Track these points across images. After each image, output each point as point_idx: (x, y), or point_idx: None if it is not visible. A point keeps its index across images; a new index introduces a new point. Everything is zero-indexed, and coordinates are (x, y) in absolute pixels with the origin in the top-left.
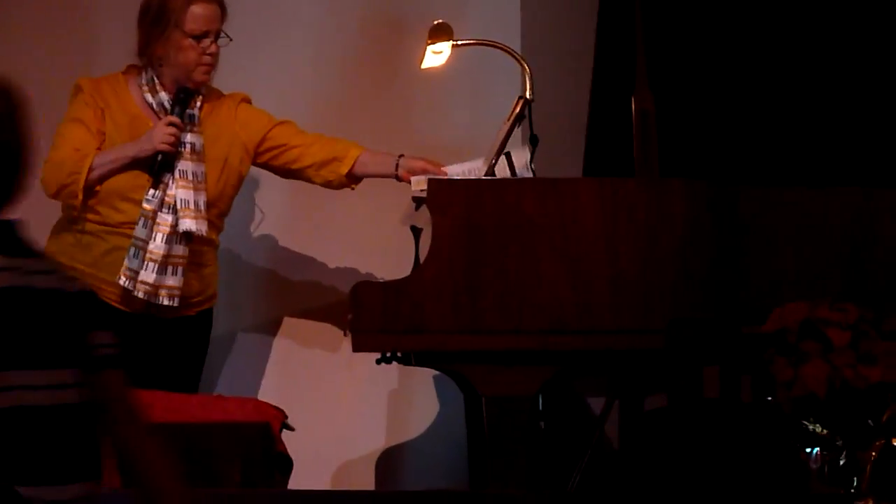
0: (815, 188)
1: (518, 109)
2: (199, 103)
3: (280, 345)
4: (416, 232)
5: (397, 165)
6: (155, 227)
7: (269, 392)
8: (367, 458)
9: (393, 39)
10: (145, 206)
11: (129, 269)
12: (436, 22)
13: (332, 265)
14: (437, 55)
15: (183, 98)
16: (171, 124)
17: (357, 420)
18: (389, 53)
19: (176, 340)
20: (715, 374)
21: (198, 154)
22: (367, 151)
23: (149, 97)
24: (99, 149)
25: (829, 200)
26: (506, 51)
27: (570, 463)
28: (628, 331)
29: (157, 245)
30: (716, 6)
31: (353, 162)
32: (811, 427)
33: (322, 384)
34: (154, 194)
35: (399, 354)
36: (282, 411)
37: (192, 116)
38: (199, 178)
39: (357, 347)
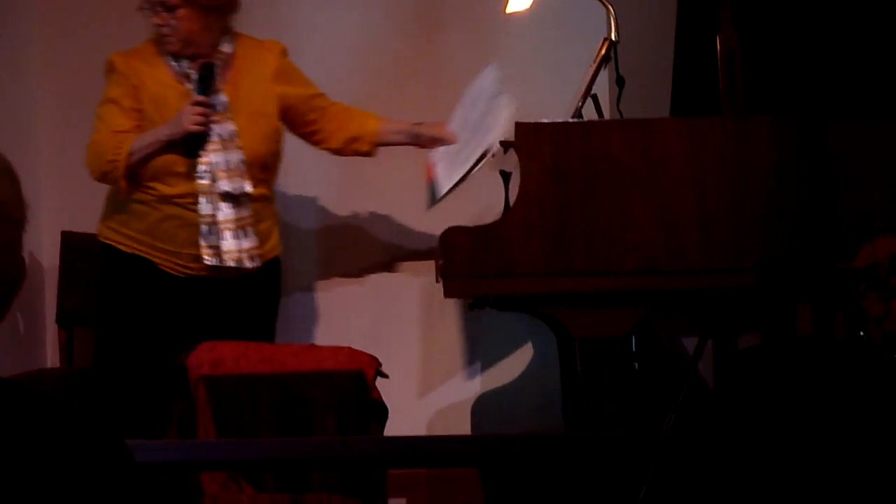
0: None
1: (604, 51)
2: (222, 62)
3: (372, 292)
4: (506, 176)
5: (418, 135)
6: (214, 198)
7: (362, 340)
8: (462, 403)
9: None
10: (200, 182)
11: (210, 247)
12: None
13: (422, 211)
14: None
15: (205, 75)
16: (197, 103)
17: (451, 366)
18: None
19: (242, 298)
20: (808, 312)
21: (224, 113)
22: (383, 122)
23: (174, 64)
24: (139, 125)
25: None
26: None
27: (664, 404)
28: (719, 270)
29: (224, 213)
30: None
31: (372, 138)
32: None
33: (415, 331)
34: (203, 169)
35: (491, 299)
36: (375, 359)
37: (215, 84)
38: (228, 137)
39: (448, 293)
